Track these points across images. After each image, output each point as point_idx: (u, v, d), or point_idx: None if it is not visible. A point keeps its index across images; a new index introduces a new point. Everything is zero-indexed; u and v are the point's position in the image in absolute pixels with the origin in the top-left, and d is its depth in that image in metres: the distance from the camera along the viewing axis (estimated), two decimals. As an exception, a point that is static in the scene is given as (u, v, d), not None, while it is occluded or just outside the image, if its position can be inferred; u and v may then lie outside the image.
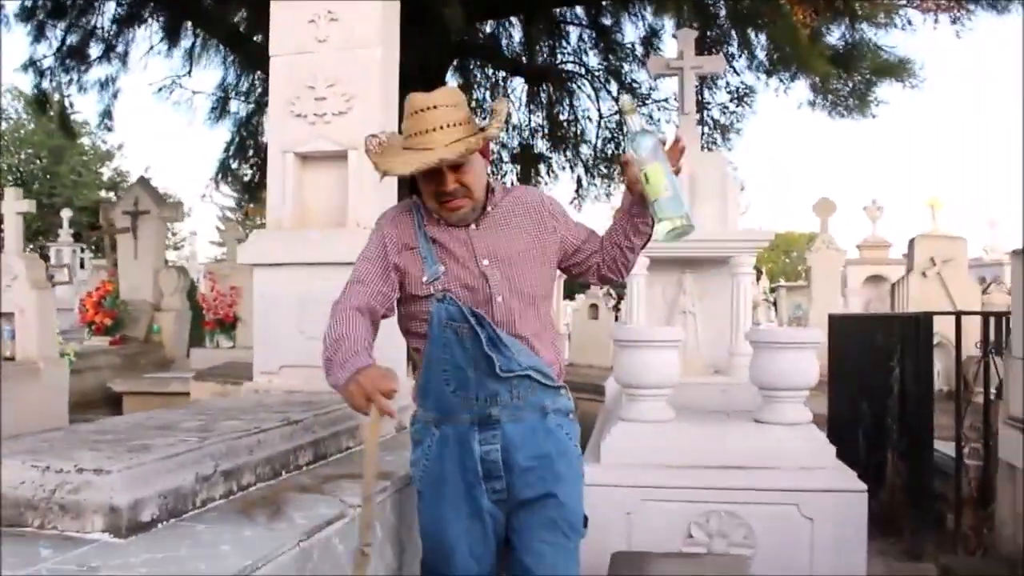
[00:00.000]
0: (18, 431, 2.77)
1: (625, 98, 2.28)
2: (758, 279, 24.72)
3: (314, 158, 3.84)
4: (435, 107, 2.19)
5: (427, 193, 2.30)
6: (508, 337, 2.29)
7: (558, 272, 2.56)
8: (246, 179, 13.26)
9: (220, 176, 13.27)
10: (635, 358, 4.10)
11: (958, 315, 5.06)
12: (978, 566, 4.10)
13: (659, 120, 11.87)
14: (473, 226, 2.36)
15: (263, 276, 3.77)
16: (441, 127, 2.17)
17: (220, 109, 12.27)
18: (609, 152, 12.38)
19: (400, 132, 2.32)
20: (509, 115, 12.38)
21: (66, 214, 23.36)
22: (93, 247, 25.65)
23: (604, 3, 10.00)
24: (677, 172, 2.20)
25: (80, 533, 1.92)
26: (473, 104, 12.17)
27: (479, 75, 12.03)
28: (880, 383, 5.53)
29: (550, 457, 2.33)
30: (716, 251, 5.78)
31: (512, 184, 12.73)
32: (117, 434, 2.46)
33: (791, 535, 3.79)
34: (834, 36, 9.79)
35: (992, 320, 4.77)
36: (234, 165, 12.82)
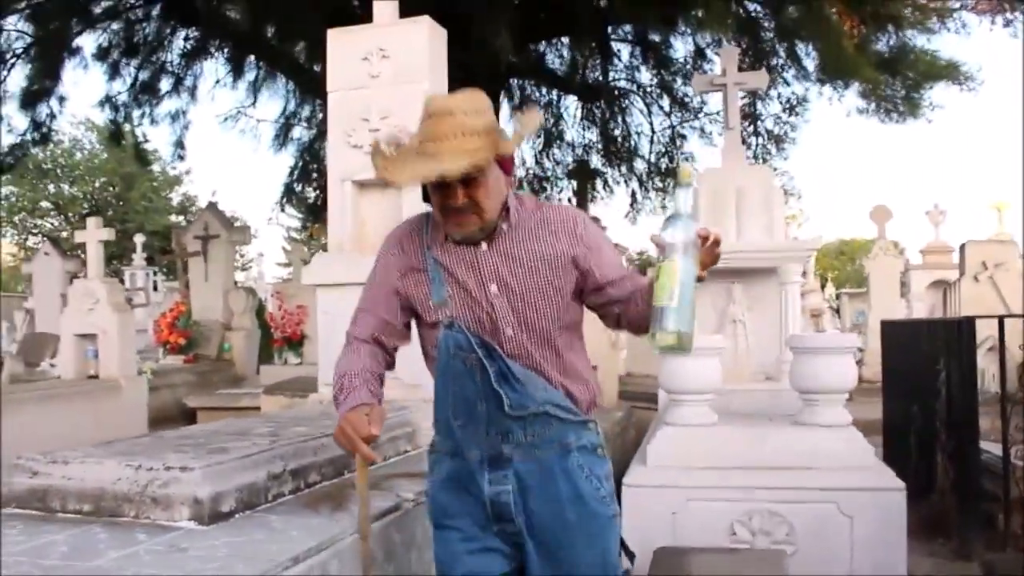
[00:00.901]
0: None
1: (685, 166, 1.98)
2: (823, 287, 24.58)
3: (370, 185, 4.12)
4: (451, 113, 1.96)
5: (435, 204, 2.06)
6: (522, 370, 2.07)
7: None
8: (310, 201, 13.74)
9: (285, 199, 13.80)
10: (678, 365, 4.29)
11: (1001, 318, 5.15)
12: (1019, 562, 4.19)
13: (711, 132, 12.03)
14: (484, 245, 2.09)
15: (326, 295, 4.06)
16: (455, 135, 1.94)
17: (283, 136, 12.79)
18: (663, 166, 12.59)
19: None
20: (547, 130, 12.66)
21: (139, 239, 24.20)
22: (165, 270, 26.58)
23: (651, 22, 10.22)
24: (701, 279, 1.90)
25: (169, 522, 2.21)
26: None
27: (533, 94, 12.33)
28: (928, 387, 5.62)
29: (560, 503, 2.10)
30: (763, 261, 5.96)
31: (555, 201, 13.06)
32: (197, 439, 2.75)
33: (832, 533, 3.93)
34: (881, 43, 9.86)
35: (1035, 321, 4.85)
36: (298, 188, 13.32)
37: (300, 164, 12.87)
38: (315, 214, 14.26)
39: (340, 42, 4.17)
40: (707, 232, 1.87)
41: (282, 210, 16.07)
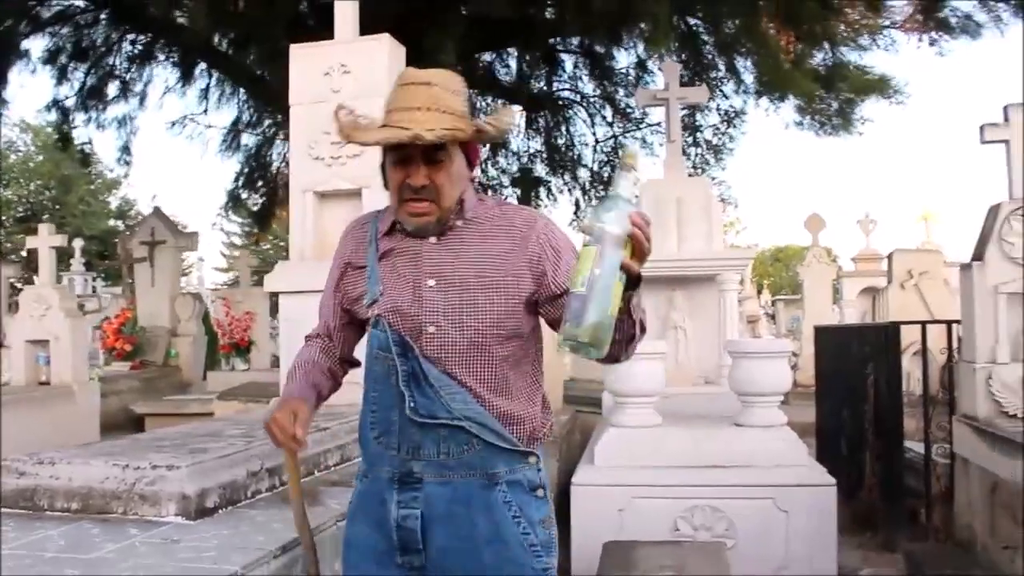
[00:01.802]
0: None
1: (630, 148, 1.60)
2: (759, 293, 25.20)
3: (331, 196, 4.29)
4: (429, 84, 1.81)
5: (393, 185, 1.86)
6: (439, 375, 1.84)
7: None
8: (255, 208, 13.76)
9: (230, 205, 13.79)
10: (622, 369, 4.52)
11: (924, 324, 5.50)
12: (936, 552, 4.51)
13: (652, 143, 12.38)
14: (432, 239, 1.90)
15: (288, 302, 4.21)
16: (429, 108, 1.77)
17: (232, 142, 12.79)
18: (605, 175, 12.90)
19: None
20: (513, 131, 12.89)
21: (77, 243, 23.84)
22: (103, 275, 26.19)
23: (598, 36, 10.50)
24: (631, 274, 1.60)
25: (157, 517, 2.36)
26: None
27: (479, 103, 12.55)
28: (858, 389, 5.95)
29: (474, 540, 1.83)
30: (703, 269, 6.27)
31: (511, 202, 13.12)
32: (172, 440, 2.90)
33: (768, 527, 4.20)
34: (816, 59, 10.25)
35: (956, 327, 5.20)
36: (244, 195, 13.32)
37: (247, 171, 12.90)
38: (260, 221, 14.29)
39: (302, 57, 4.34)
40: (642, 219, 1.60)
41: (227, 216, 16.05)
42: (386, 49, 4.24)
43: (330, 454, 3.23)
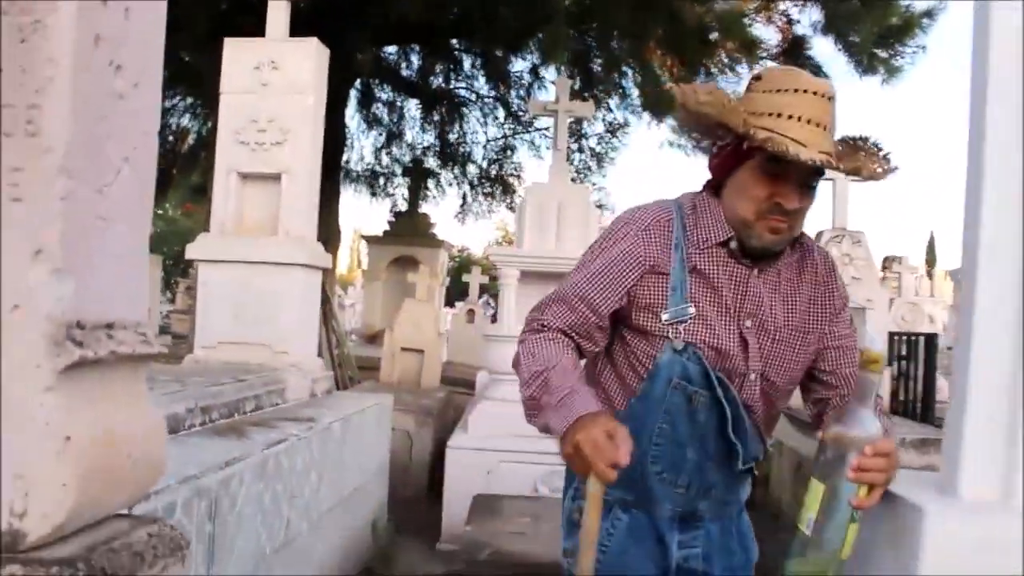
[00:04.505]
0: None
1: (870, 351, 1.55)
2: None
3: (253, 177, 4.77)
4: (828, 98, 1.60)
5: (755, 196, 1.64)
6: (749, 421, 1.74)
7: None
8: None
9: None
10: (500, 350, 5.19)
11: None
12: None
13: (539, 146, 13.13)
14: (755, 270, 1.73)
15: (207, 270, 4.68)
16: (826, 127, 1.59)
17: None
18: (493, 173, 13.61)
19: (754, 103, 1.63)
20: (389, 129, 13.41)
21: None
22: None
23: (498, 46, 11.10)
24: (856, 516, 1.50)
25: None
26: (370, 118, 13.20)
27: (378, 93, 13.01)
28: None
29: (738, 568, 1.85)
30: (576, 268, 7.02)
31: (384, 196, 13.71)
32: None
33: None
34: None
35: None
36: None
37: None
38: (157, 187, 14.36)
39: (236, 50, 4.79)
40: (887, 448, 1.49)
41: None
42: (313, 51, 4.75)
43: (247, 402, 3.75)
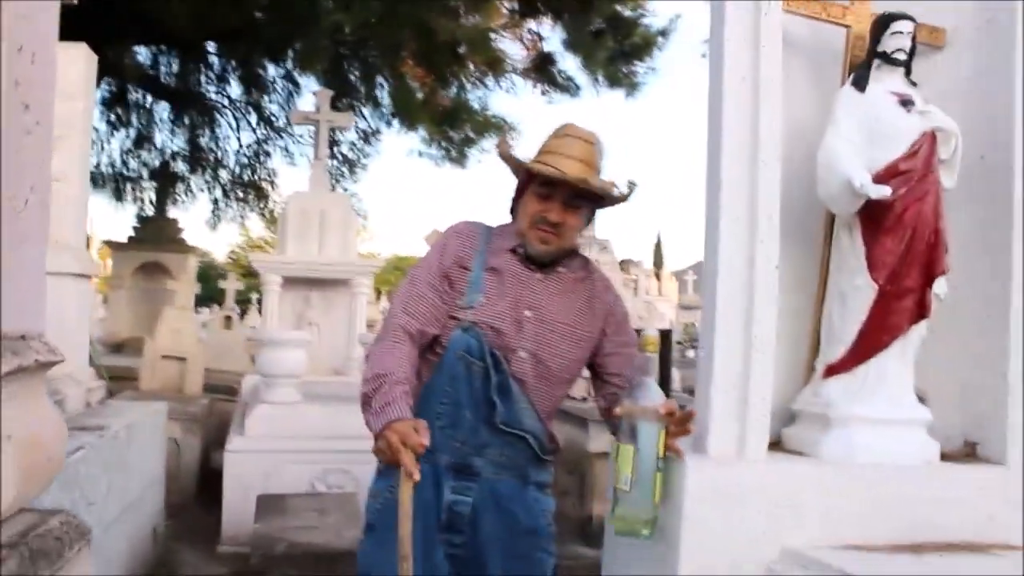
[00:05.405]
0: None
1: (648, 335, 2.18)
2: (378, 299, 26.64)
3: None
4: (589, 143, 2.18)
5: (529, 212, 2.18)
6: (519, 393, 2.13)
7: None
8: None
9: None
10: (273, 353, 5.33)
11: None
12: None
13: (293, 153, 13.15)
14: (540, 275, 2.22)
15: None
16: (582, 161, 2.13)
17: None
18: (246, 178, 13.42)
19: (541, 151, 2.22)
20: (138, 131, 12.94)
21: None
22: None
23: (258, 54, 11.01)
24: (673, 452, 2.02)
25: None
26: (112, 120, 12.60)
27: (130, 95, 12.45)
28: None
29: (515, 530, 2.15)
30: (339, 273, 7.28)
31: (133, 202, 13.08)
32: None
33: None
34: (445, 97, 11.65)
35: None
36: None
37: None
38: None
39: None
40: (673, 407, 1.95)
41: None
42: (83, 57, 4.64)
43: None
